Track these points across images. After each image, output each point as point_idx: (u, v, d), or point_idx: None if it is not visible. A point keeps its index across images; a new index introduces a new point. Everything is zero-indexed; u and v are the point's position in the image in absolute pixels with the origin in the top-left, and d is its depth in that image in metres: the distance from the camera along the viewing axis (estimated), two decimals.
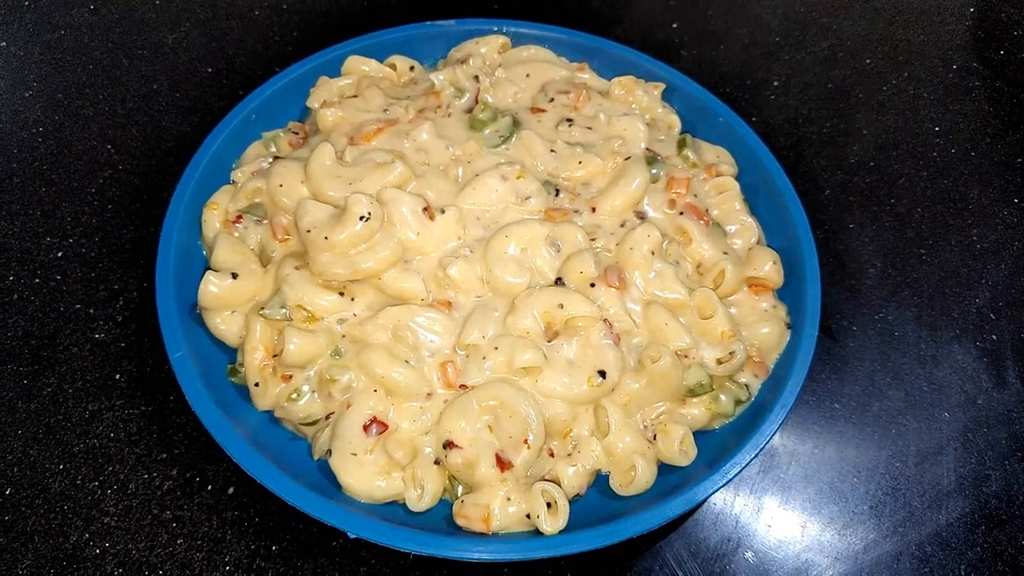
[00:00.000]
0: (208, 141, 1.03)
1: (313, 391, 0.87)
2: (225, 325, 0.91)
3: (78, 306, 0.99)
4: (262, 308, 0.88)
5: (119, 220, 1.07)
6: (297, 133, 1.09)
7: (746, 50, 1.35)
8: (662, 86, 1.16)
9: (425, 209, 0.93)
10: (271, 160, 1.03)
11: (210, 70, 1.24)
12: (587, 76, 1.17)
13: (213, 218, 0.98)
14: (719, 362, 0.89)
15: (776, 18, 1.42)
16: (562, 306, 0.88)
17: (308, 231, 0.90)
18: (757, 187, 1.08)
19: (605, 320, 0.88)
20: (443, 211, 0.94)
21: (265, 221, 0.98)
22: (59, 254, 1.03)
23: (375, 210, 0.89)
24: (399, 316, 0.88)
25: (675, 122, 1.13)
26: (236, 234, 0.98)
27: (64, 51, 1.26)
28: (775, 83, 1.31)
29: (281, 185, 0.97)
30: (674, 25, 1.37)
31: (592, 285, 0.91)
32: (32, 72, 1.23)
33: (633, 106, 1.13)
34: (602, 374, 0.85)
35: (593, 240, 0.96)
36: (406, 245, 0.92)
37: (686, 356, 0.89)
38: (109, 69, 1.23)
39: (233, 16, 1.32)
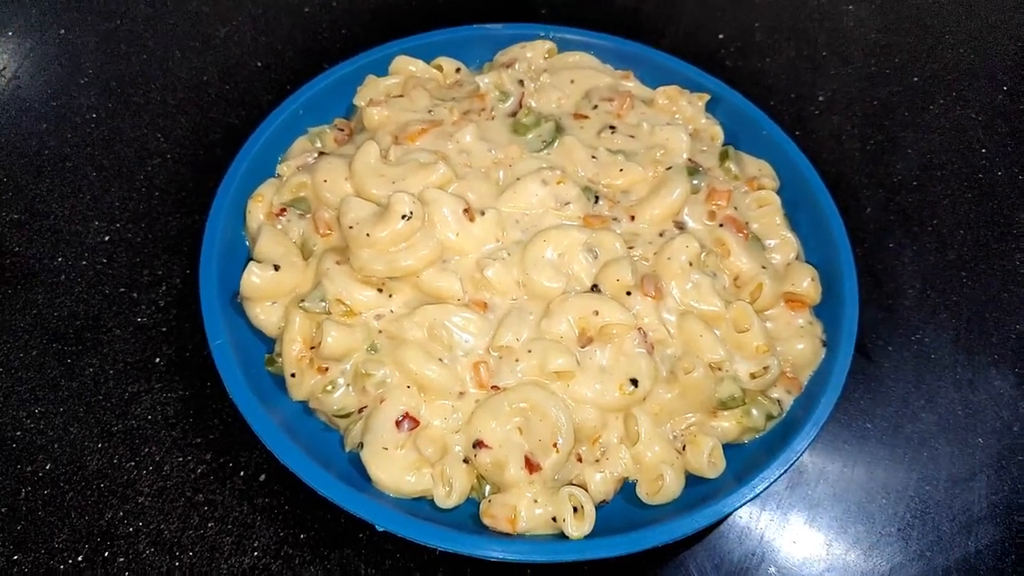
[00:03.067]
0: (255, 134, 1.05)
1: (348, 384, 0.88)
2: (265, 315, 0.93)
3: (122, 289, 1.02)
4: (302, 301, 0.90)
5: (166, 207, 1.09)
6: (343, 130, 1.11)
7: (792, 63, 1.34)
8: (706, 96, 1.15)
9: (466, 210, 0.94)
10: (316, 156, 1.05)
11: (259, 64, 1.26)
12: (631, 84, 1.18)
13: (258, 210, 1.00)
14: (752, 376, 0.89)
15: (823, 32, 1.41)
16: (597, 313, 0.88)
17: (350, 227, 0.92)
18: (798, 202, 1.07)
19: (639, 329, 0.88)
20: (483, 213, 0.95)
21: (308, 215, 0.99)
22: (106, 238, 1.06)
23: (417, 209, 0.90)
24: (435, 315, 0.89)
25: (718, 133, 1.13)
26: (279, 227, 0.99)
27: (119, 40, 1.29)
28: (820, 98, 1.31)
29: (325, 181, 0.98)
30: (720, 36, 1.37)
31: (628, 293, 0.91)
32: (88, 60, 1.26)
33: (676, 116, 1.13)
34: (634, 382, 0.85)
35: (631, 248, 0.96)
36: (445, 245, 0.93)
37: (719, 369, 0.89)
38: (162, 60, 1.26)
39: (284, 11, 1.34)
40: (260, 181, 1.03)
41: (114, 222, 1.07)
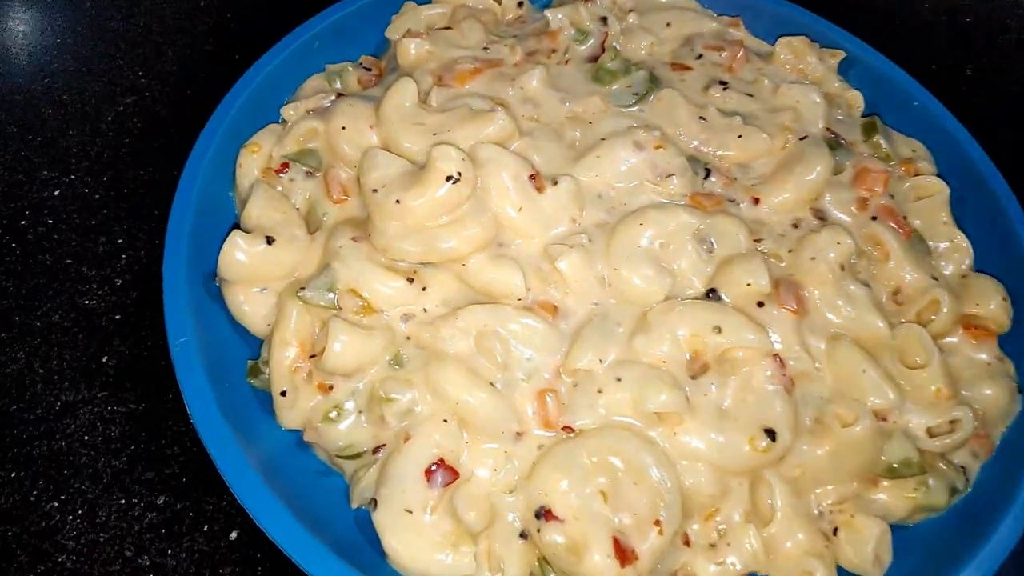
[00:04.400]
0: (256, 66, 0.80)
1: (360, 411, 0.62)
2: (250, 306, 0.67)
3: (68, 261, 0.77)
4: (302, 288, 0.64)
5: (136, 159, 0.84)
6: (370, 70, 0.85)
7: (952, 19, 1.06)
8: (840, 54, 0.89)
9: (532, 177, 0.68)
10: (333, 98, 0.79)
11: None
12: (741, 34, 0.91)
13: (251, 163, 0.75)
14: (931, 433, 0.63)
15: None
16: (719, 330, 0.62)
17: (374, 190, 0.66)
18: (964, 197, 0.80)
19: (775, 356, 0.62)
20: (555, 182, 0.69)
21: (318, 174, 0.74)
22: (55, 192, 0.81)
23: (467, 170, 0.65)
24: (485, 319, 0.63)
25: (857, 100, 0.87)
26: (279, 187, 0.74)
27: None
28: (988, 63, 1.02)
29: (344, 128, 0.73)
30: None
31: (760, 304, 0.65)
32: None
33: (803, 77, 0.87)
34: (769, 434, 0.59)
35: (757, 242, 0.70)
36: (503, 222, 0.67)
37: (884, 419, 0.63)
38: None
39: None
40: (258, 127, 0.77)
41: (67, 173, 0.82)
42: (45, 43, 0.92)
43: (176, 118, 0.87)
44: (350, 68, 0.84)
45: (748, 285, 0.64)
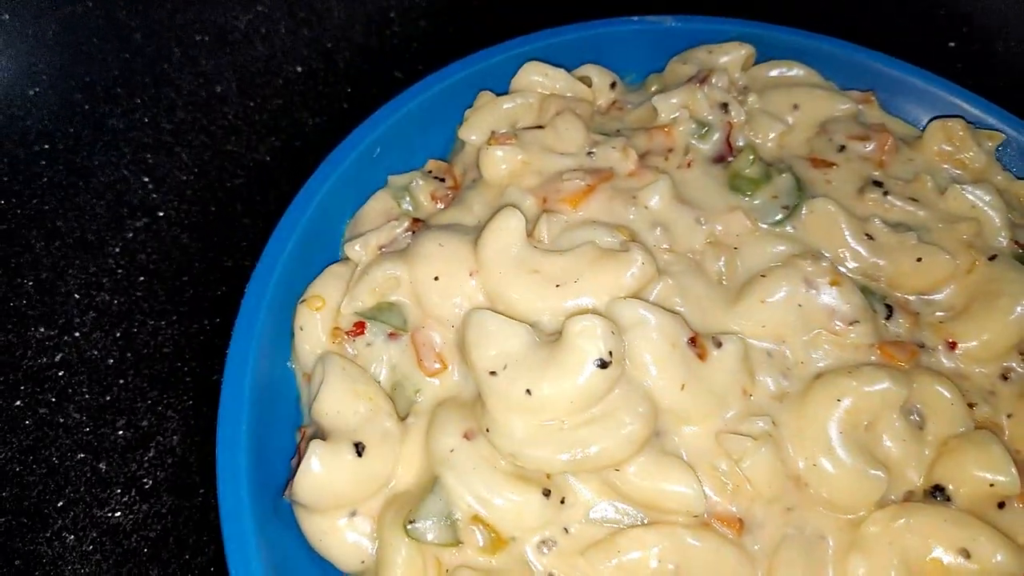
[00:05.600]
0: (308, 189, 0.63)
1: None
2: (337, 538, 0.51)
3: (80, 455, 0.59)
4: (411, 520, 0.48)
5: (154, 304, 0.67)
6: (443, 180, 0.69)
7: None
8: (999, 137, 0.74)
9: (692, 340, 0.52)
10: (407, 226, 0.63)
11: (299, 69, 0.84)
12: (880, 115, 0.76)
13: (315, 324, 0.58)
14: None
15: None
16: (966, 553, 0.46)
17: (492, 373, 0.50)
18: None
19: None
20: (718, 343, 0.53)
21: (404, 335, 0.57)
22: (56, 357, 0.64)
23: (618, 348, 0.49)
24: (655, 545, 0.47)
25: None
26: (352, 352, 0.57)
27: (88, 30, 0.86)
28: None
29: (437, 279, 0.56)
30: (951, 44, 0.95)
31: (1000, 506, 0.50)
32: (42, 58, 0.84)
33: (951, 167, 0.72)
34: None
35: (971, 407, 0.55)
36: (662, 406, 0.51)
37: None
38: (152, 61, 0.84)
39: None
40: (316, 269, 0.61)
41: (69, 330, 0.65)
42: (32, 148, 0.75)
43: (202, 246, 0.70)
44: (419, 179, 0.68)
45: (991, 486, 0.49)
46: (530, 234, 0.59)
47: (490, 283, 0.56)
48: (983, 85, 0.89)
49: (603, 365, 0.49)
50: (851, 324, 0.57)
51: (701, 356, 0.53)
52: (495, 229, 0.57)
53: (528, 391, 0.49)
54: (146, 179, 0.74)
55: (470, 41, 0.83)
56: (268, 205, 0.71)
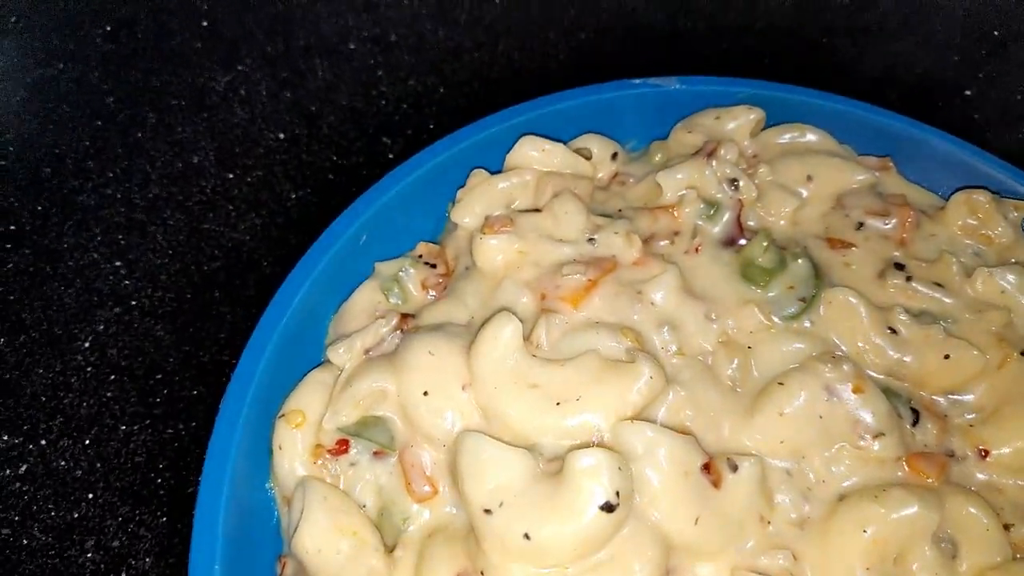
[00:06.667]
0: (290, 283, 0.59)
1: None
2: None
3: None
4: None
5: (124, 406, 0.63)
6: (434, 266, 0.64)
7: None
8: None
9: (706, 467, 0.48)
10: (396, 323, 0.58)
11: (280, 136, 0.79)
12: (894, 181, 0.72)
13: (294, 443, 0.54)
14: None
15: None
16: None
17: (487, 511, 0.46)
18: None
19: None
20: (734, 466, 0.49)
21: (391, 455, 0.53)
22: (20, 468, 0.59)
23: (626, 486, 0.44)
24: None
25: None
26: (336, 473, 0.53)
27: (56, 96, 0.82)
28: None
29: (426, 393, 0.52)
30: (967, 92, 0.91)
31: None
32: (7, 127, 0.79)
33: (977, 244, 0.67)
34: None
35: (1006, 528, 0.51)
36: (674, 542, 0.47)
37: None
38: (123, 129, 0.79)
39: (317, 51, 0.87)
40: (296, 375, 0.56)
41: (34, 437, 0.60)
42: None
43: (176, 339, 0.66)
44: (408, 266, 0.64)
45: None
46: (528, 337, 0.54)
47: (485, 399, 0.52)
48: (1002, 140, 0.85)
49: (609, 508, 0.44)
50: (876, 437, 0.52)
51: (716, 483, 0.49)
52: (489, 338, 0.52)
53: (527, 535, 0.45)
54: (118, 263, 0.70)
55: (462, 101, 0.79)
56: (248, 290, 0.67)
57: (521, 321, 0.55)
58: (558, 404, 0.50)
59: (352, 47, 0.87)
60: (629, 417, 0.50)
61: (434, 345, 0.54)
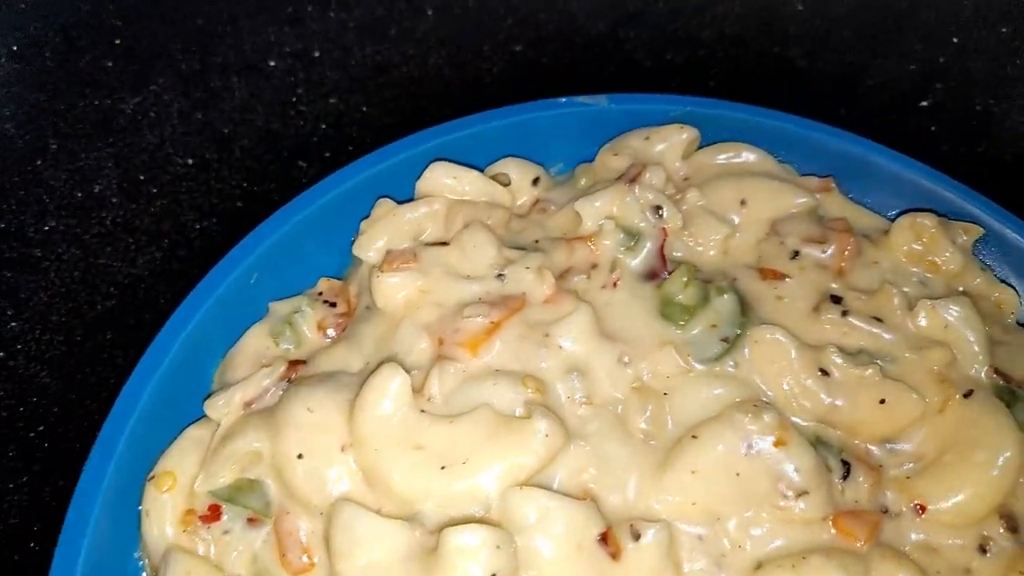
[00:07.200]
0: (169, 328, 0.54)
1: None
2: None
3: None
4: None
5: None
6: (334, 304, 0.60)
7: None
8: (976, 231, 0.65)
9: (603, 537, 0.43)
10: (282, 372, 0.54)
11: (190, 162, 0.74)
12: (837, 203, 0.67)
13: (163, 509, 0.49)
14: None
15: None
16: None
17: None
18: None
19: None
20: (636, 534, 0.44)
21: (266, 522, 0.48)
22: None
23: (505, 566, 0.40)
24: None
25: (1009, 302, 0.63)
26: (207, 540, 0.48)
27: None
28: None
29: (301, 456, 0.47)
30: (923, 103, 0.86)
31: None
32: None
33: (923, 272, 0.63)
34: None
35: None
36: None
37: None
38: (26, 154, 0.74)
39: (236, 70, 0.82)
40: (174, 431, 0.52)
41: None
42: None
43: (62, 386, 0.61)
44: (306, 306, 0.59)
45: None
46: (420, 390, 0.50)
47: (366, 461, 0.47)
48: (958, 154, 0.80)
49: None
50: (800, 496, 0.48)
51: (614, 555, 0.44)
52: (373, 394, 0.48)
53: None
54: (5, 302, 0.65)
55: (386, 120, 0.75)
56: (141, 331, 0.62)
57: (414, 371, 0.51)
58: (443, 468, 0.46)
59: (272, 64, 0.82)
60: (521, 481, 0.45)
61: (314, 400, 0.49)
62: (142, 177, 0.73)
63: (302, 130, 0.77)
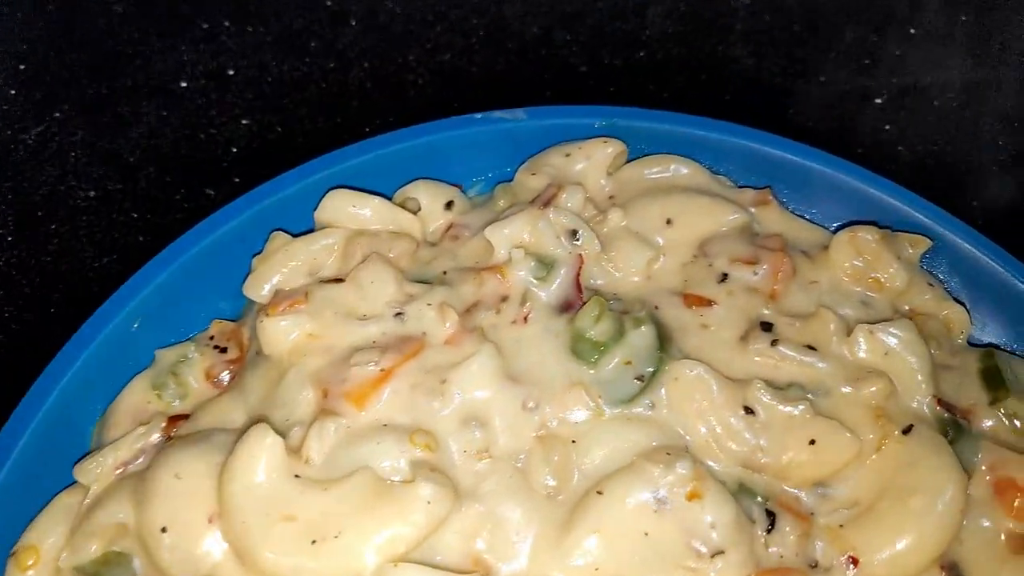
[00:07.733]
0: (32, 398, 0.50)
1: None
2: None
3: None
4: None
5: None
6: (224, 350, 0.55)
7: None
8: (924, 243, 0.60)
9: None
10: (162, 430, 0.49)
11: (92, 194, 0.70)
12: (775, 217, 0.62)
13: None
14: None
15: None
16: None
17: None
18: None
19: None
20: None
21: None
22: None
23: None
24: None
25: (960, 321, 0.58)
26: None
27: None
28: None
29: (165, 530, 0.43)
30: (878, 100, 0.81)
31: None
32: None
33: (865, 291, 0.58)
34: None
35: None
36: None
37: None
38: None
39: (144, 93, 0.78)
40: (42, 502, 0.48)
41: None
42: None
43: None
44: (193, 352, 0.55)
45: None
46: (298, 450, 0.45)
47: (233, 534, 0.43)
48: (917, 151, 0.76)
49: None
50: (716, 555, 0.43)
51: None
52: (241, 459, 0.43)
53: None
54: None
55: (300, 140, 0.70)
56: (22, 388, 0.57)
57: (296, 427, 0.47)
58: (314, 542, 0.41)
59: (184, 85, 0.77)
60: (400, 555, 0.41)
61: (183, 465, 0.45)
62: (40, 214, 0.68)
63: (212, 155, 0.72)
